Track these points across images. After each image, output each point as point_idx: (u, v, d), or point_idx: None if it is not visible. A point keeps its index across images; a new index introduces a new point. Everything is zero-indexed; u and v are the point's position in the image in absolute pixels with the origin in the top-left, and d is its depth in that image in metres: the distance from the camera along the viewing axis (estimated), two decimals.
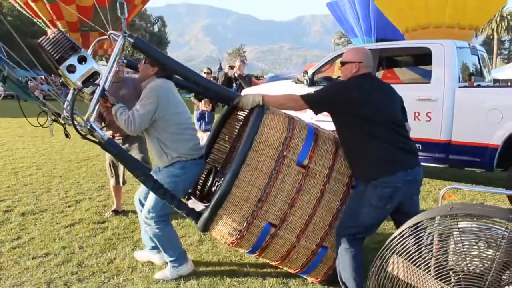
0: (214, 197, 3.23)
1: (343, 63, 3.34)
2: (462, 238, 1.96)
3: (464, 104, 5.99)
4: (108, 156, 5.19)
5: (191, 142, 3.65)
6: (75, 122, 3.22)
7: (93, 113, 3.30)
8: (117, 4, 3.41)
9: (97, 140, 3.36)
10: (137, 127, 3.44)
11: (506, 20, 59.88)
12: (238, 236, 3.28)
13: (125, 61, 3.96)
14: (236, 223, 3.23)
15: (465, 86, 6.18)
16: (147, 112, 3.44)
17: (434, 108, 6.10)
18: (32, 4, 17.67)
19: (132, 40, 3.41)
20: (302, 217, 3.25)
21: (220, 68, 30.60)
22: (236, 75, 8.99)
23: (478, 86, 6.49)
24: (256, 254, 3.46)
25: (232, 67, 9.69)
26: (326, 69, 7.42)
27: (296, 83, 7.27)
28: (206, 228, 3.34)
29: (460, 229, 1.98)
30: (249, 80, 8.92)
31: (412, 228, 2.06)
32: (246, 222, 3.21)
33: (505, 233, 1.89)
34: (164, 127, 3.54)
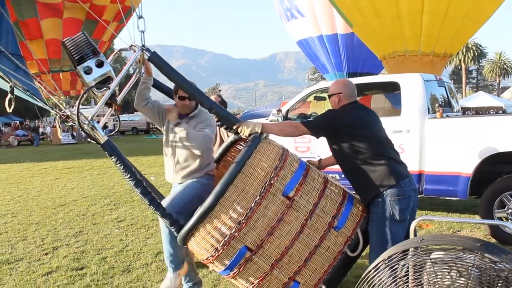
0: (198, 211, 3.31)
1: (329, 96, 3.73)
2: (435, 268, 2.01)
3: (434, 135, 6.15)
4: None
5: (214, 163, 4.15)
6: (80, 120, 3.35)
7: (102, 115, 3.50)
8: (137, 19, 3.62)
9: (98, 141, 3.45)
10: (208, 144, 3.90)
11: (471, 50, 62.18)
12: (213, 254, 3.31)
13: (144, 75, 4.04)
14: (214, 240, 3.28)
15: (434, 117, 6.36)
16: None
17: (406, 139, 6.25)
18: None
19: (149, 55, 3.59)
20: (279, 247, 3.28)
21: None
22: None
23: (447, 116, 6.68)
24: (229, 276, 3.44)
25: None
26: (300, 106, 7.56)
27: (270, 121, 7.37)
28: (185, 240, 3.42)
29: (432, 260, 2.03)
30: None
31: (386, 261, 2.11)
32: (223, 241, 3.25)
33: (474, 261, 1.95)
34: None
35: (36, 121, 44.99)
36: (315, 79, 71.91)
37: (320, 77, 62.63)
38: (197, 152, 3.83)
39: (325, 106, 7.86)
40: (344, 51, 16.86)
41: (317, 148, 6.74)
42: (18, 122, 45.05)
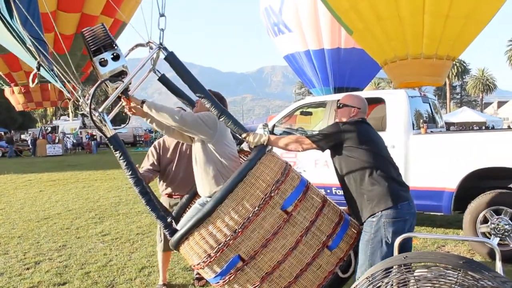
0: (195, 216, 3.29)
1: (341, 106, 3.68)
2: (418, 286, 2.02)
3: (419, 150, 6.21)
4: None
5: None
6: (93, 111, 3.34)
7: (112, 109, 3.60)
8: (158, 18, 3.54)
9: (105, 134, 3.43)
10: (186, 120, 3.47)
11: (455, 67, 63.12)
12: (205, 260, 3.30)
13: (160, 73, 3.90)
14: (207, 246, 3.27)
15: (419, 133, 6.43)
16: (201, 121, 3.52)
17: (392, 155, 6.28)
18: None
19: (166, 53, 3.54)
20: (272, 260, 3.27)
21: None
22: None
23: (431, 132, 6.76)
24: (218, 284, 3.41)
25: None
26: (286, 120, 7.59)
27: None
28: (178, 245, 3.39)
29: (416, 278, 2.04)
30: None
31: (370, 279, 2.11)
32: (217, 247, 3.25)
33: (457, 279, 1.97)
34: (223, 150, 3.60)
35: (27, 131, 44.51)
36: (301, 94, 72.47)
37: (307, 91, 63.02)
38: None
39: (312, 121, 7.90)
40: (330, 66, 16.98)
41: (303, 163, 6.76)
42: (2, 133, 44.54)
